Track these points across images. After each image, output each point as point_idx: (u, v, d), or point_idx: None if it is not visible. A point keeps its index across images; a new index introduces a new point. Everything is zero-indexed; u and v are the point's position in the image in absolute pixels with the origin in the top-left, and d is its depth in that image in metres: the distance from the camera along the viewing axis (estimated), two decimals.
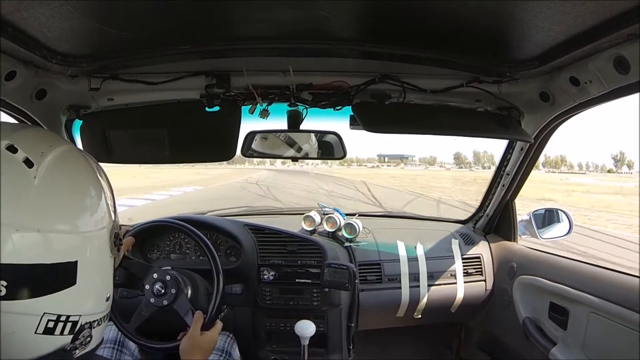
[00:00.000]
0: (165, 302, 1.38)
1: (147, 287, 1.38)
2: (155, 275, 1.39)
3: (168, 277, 1.39)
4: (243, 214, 2.51)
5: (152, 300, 1.37)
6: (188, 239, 1.83)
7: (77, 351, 0.67)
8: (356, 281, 1.84)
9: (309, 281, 1.80)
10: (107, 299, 0.74)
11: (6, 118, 1.34)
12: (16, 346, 0.60)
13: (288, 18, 1.02)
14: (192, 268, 1.57)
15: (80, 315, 0.65)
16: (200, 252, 1.87)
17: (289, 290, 1.82)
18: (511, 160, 1.83)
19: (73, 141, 1.65)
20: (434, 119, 1.50)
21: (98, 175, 0.72)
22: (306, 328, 1.55)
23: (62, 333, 0.63)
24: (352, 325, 1.91)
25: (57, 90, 1.37)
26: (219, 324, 1.29)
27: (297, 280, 1.81)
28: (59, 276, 0.61)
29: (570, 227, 1.96)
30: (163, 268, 1.40)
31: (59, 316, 0.62)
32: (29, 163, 0.60)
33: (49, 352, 0.63)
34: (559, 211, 2.01)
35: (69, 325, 0.64)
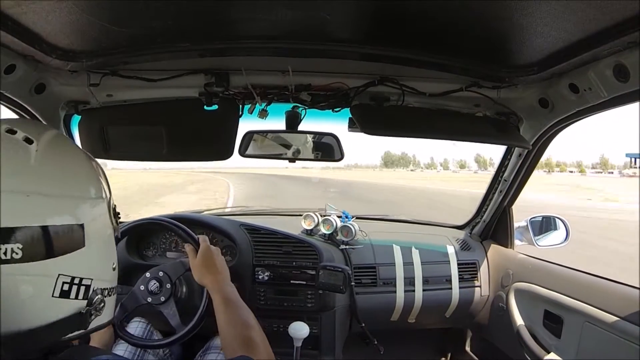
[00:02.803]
0: (162, 299, 1.39)
1: (142, 287, 1.39)
2: (148, 275, 1.40)
3: (152, 274, 1.40)
4: (240, 214, 2.51)
5: (148, 299, 1.38)
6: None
7: (93, 317, 0.71)
8: (352, 283, 1.84)
9: (304, 283, 1.79)
10: (114, 269, 0.79)
11: (5, 111, 1.34)
12: (36, 310, 0.63)
13: (288, 18, 1.02)
14: (188, 267, 1.59)
15: (92, 279, 0.70)
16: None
17: (283, 291, 1.81)
18: (509, 167, 1.83)
19: (71, 136, 1.65)
20: (433, 123, 1.50)
21: (88, 156, 0.78)
22: (300, 330, 1.55)
23: (77, 297, 0.67)
24: (364, 325, 1.91)
25: (56, 85, 1.38)
26: (203, 243, 1.31)
27: (291, 281, 1.80)
28: (70, 237, 0.66)
29: (567, 235, 1.95)
30: (150, 269, 1.42)
31: (73, 278, 0.66)
32: (28, 140, 0.66)
33: (66, 315, 0.67)
34: (556, 218, 2.01)
35: (82, 288, 0.68)
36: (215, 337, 1.49)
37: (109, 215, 0.77)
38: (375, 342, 1.97)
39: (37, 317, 0.63)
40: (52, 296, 0.64)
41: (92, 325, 0.72)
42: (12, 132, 0.65)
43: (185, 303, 1.48)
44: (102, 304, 0.73)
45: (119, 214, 0.83)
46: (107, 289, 0.75)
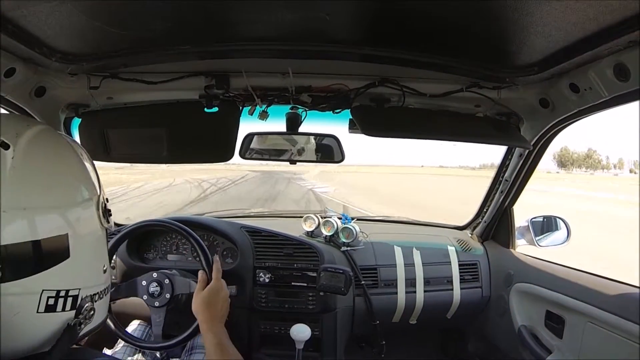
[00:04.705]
0: (156, 304, 1.40)
1: (143, 282, 1.40)
2: (155, 275, 1.42)
3: (159, 276, 1.41)
4: (241, 216, 2.51)
5: (144, 297, 1.40)
6: (184, 239, 1.83)
7: (82, 326, 0.68)
8: (362, 282, 1.87)
9: (305, 284, 1.79)
10: (105, 271, 0.75)
11: None
12: (22, 328, 0.60)
13: (288, 19, 1.02)
14: (189, 269, 1.60)
15: (79, 289, 0.66)
16: (194, 250, 1.88)
17: (284, 293, 1.81)
18: (510, 167, 1.82)
19: None
20: (433, 124, 1.50)
21: (76, 151, 0.73)
22: (302, 332, 1.54)
23: (64, 309, 0.64)
24: (378, 322, 1.92)
25: (57, 88, 1.37)
26: (216, 281, 1.32)
27: (292, 283, 1.80)
28: (52, 251, 0.62)
29: (568, 235, 1.95)
30: (160, 271, 1.43)
31: (58, 292, 0.63)
32: (4, 145, 0.59)
33: (54, 330, 0.64)
34: (557, 219, 2.01)
35: (69, 300, 0.64)
36: (199, 336, 1.47)
37: (97, 216, 0.72)
38: (383, 342, 1.98)
39: (23, 335, 0.61)
40: (37, 312, 0.61)
41: (82, 332, 0.69)
42: None
43: (177, 315, 1.49)
44: (92, 312, 0.70)
45: (109, 210, 0.78)
46: (97, 293, 0.71)
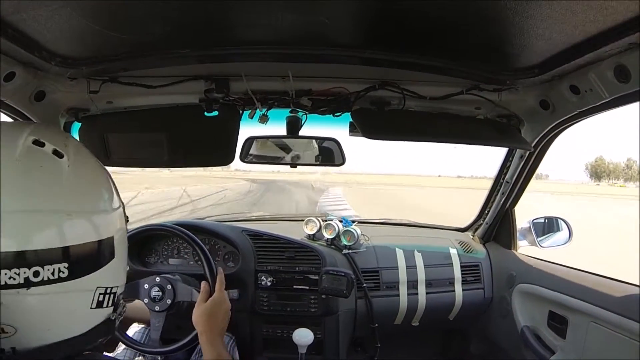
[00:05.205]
0: (156, 308, 1.40)
1: (146, 286, 1.41)
2: (158, 279, 1.42)
3: (161, 281, 1.41)
4: (242, 220, 2.50)
5: (145, 300, 1.40)
6: (186, 244, 1.83)
7: (117, 321, 0.74)
8: (364, 285, 1.87)
9: (307, 287, 1.79)
10: (126, 270, 0.81)
11: (5, 119, 1.34)
12: (74, 323, 0.66)
13: (288, 23, 1.02)
14: (191, 273, 1.60)
15: (118, 286, 0.73)
16: (199, 258, 1.88)
17: (286, 296, 1.80)
18: (510, 169, 1.82)
19: None
20: (434, 126, 1.49)
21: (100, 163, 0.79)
22: (304, 336, 1.54)
23: (107, 305, 0.70)
24: (376, 325, 1.92)
25: (56, 92, 1.37)
26: (219, 292, 1.33)
27: (294, 286, 1.80)
28: (105, 251, 0.68)
29: (570, 236, 1.95)
30: (163, 275, 1.43)
31: (107, 288, 0.69)
32: (58, 154, 0.65)
33: (98, 323, 0.70)
34: (559, 220, 2.01)
35: (111, 297, 0.71)
36: None
37: (125, 221, 0.78)
38: (378, 345, 1.97)
39: (73, 329, 0.65)
40: (90, 308, 0.66)
41: (115, 326, 0.75)
42: (40, 144, 0.64)
43: (178, 319, 1.49)
44: (124, 308, 0.77)
45: (127, 217, 0.83)
46: (123, 291, 0.77)
